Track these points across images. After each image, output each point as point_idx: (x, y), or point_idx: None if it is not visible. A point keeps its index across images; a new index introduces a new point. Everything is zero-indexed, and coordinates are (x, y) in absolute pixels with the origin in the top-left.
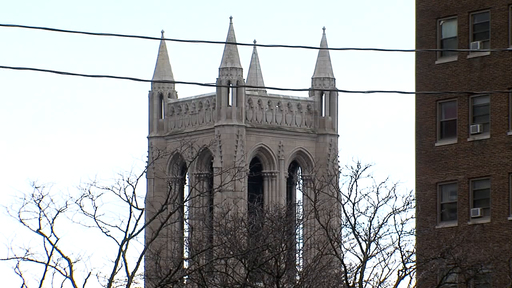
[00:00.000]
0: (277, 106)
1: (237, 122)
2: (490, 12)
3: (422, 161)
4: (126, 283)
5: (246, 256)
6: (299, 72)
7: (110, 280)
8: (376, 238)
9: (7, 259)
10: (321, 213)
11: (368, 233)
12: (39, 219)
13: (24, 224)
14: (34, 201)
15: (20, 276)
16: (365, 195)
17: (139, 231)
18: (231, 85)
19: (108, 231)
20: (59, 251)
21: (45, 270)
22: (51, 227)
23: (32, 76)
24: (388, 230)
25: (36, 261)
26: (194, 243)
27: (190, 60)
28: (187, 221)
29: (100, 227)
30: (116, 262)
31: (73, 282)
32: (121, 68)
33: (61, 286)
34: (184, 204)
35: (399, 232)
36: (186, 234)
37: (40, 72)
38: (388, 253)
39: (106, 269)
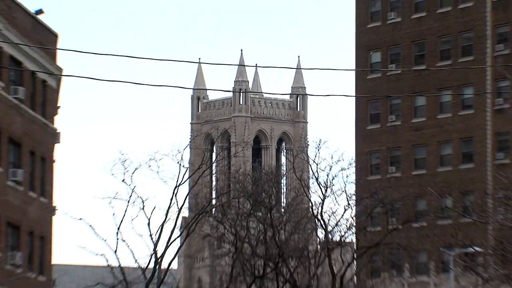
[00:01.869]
0: (270, 104)
1: (245, 114)
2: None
3: (359, 138)
4: (177, 213)
5: (251, 196)
6: (284, 83)
7: (167, 212)
8: (331, 185)
9: (103, 198)
10: (297, 170)
11: (326, 182)
12: (123, 173)
13: (115, 177)
14: (121, 162)
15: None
16: (324, 159)
17: (185, 181)
18: (241, 91)
19: (166, 181)
20: (136, 193)
21: (127, 205)
22: (131, 179)
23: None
24: (338, 180)
25: (122, 199)
26: (219, 188)
27: (217, 75)
28: (214, 174)
29: (161, 178)
30: (171, 200)
31: (145, 212)
32: (176, 79)
33: (137, 215)
34: (213, 164)
35: (345, 182)
36: (214, 182)
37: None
38: (339, 194)
39: (165, 203)
